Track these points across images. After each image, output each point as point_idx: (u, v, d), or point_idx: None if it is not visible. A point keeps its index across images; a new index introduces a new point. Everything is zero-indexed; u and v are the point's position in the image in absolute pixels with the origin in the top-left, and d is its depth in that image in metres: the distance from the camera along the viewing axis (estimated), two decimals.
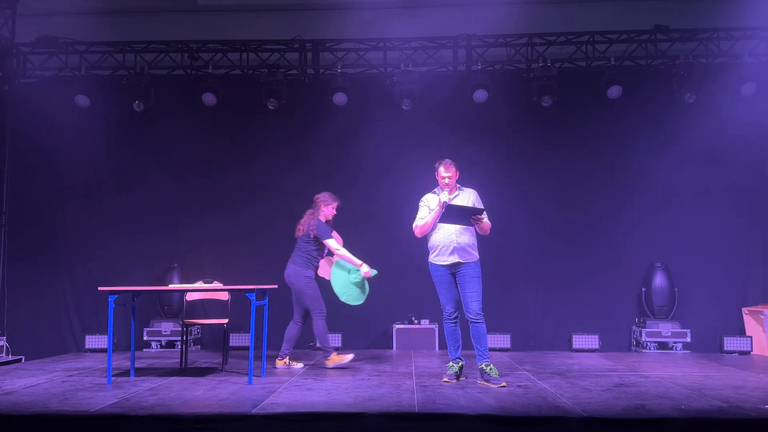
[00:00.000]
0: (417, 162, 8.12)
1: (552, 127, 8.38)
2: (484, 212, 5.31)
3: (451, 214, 5.27)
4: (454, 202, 5.34)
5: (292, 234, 8.42)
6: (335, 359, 6.30)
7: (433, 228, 5.44)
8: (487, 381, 5.30)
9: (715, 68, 8.13)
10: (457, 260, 5.39)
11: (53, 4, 8.22)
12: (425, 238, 5.59)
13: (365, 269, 6.28)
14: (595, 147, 8.34)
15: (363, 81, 8.49)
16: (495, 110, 8.23)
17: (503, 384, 5.24)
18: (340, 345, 7.92)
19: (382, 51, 8.43)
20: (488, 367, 5.34)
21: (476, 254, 5.46)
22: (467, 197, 5.48)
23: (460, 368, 5.57)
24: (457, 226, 5.37)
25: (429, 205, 5.49)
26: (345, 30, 8.24)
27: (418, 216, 5.55)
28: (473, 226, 5.37)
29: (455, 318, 5.50)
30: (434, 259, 5.48)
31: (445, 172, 5.41)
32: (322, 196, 6.42)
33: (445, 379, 5.52)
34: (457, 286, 5.45)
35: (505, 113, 8.30)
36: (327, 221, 6.41)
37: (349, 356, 6.39)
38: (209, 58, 8.47)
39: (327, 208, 6.39)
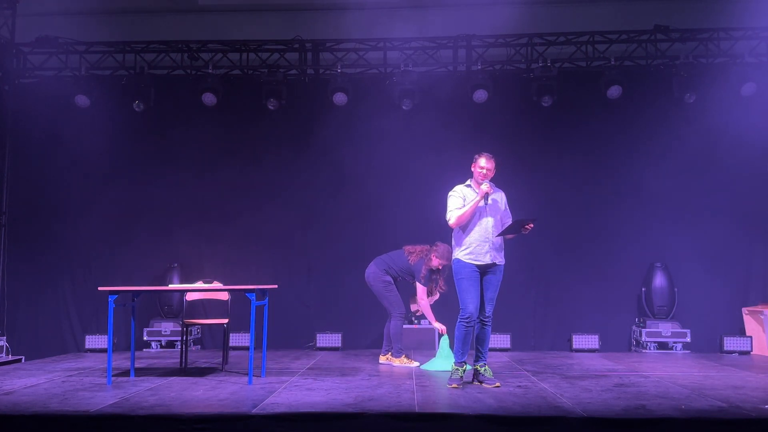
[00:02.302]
0: (417, 162, 8.15)
1: (552, 127, 8.38)
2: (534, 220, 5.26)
3: (513, 224, 5.25)
4: (490, 200, 5.30)
5: (291, 233, 8.47)
6: (404, 361, 6.49)
7: (471, 225, 5.29)
8: (481, 382, 5.31)
9: (715, 68, 8.13)
10: (492, 261, 5.30)
11: (53, 4, 8.22)
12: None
13: (438, 325, 6.53)
14: (595, 147, 8.33)
15: (363, 81, 8.48)
16: (495, 110, 8.24)
17: (497, 384, 5.23)
18: (340, 345, 7.93)
19: (382, 51, 8.43)
20: (483, 368, 5.34)
21: (504, 257, 5.43)
22: (500, 197, 5.46)
23: (465, 371, 5.35)
24: (492, 226, 5.30)
25: (464, 196, 5.33)
26: (345, 30, 8.24)
27: (452, 206, 5.33)
28: (519, 234, 5.30)
29: (474, 321, 5.24)
30: (466, 256, 5.28)
31: (486, 163, 5.30)
32: (441, 250, 6.35)
33: (454, 385, 5.20)
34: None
35: (505, 113, 8.31)
36: (430, 269, 6.47)
37: (415, 364, 6.47)
38: (209, 58, 8.48)
39: (436, 260, 6.40)
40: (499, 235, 5.31)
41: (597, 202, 8.28)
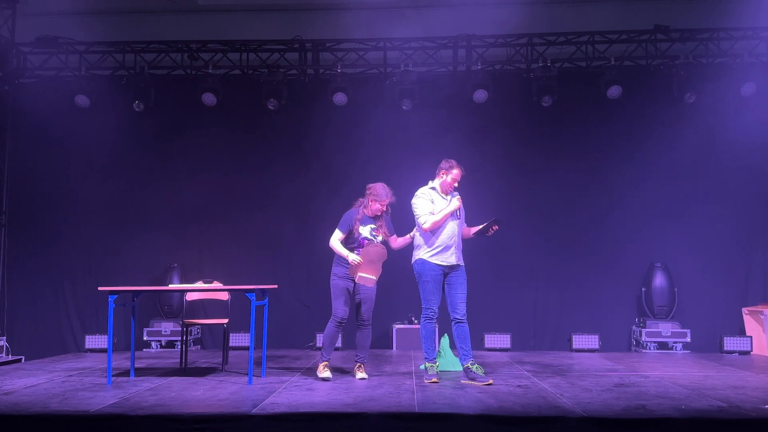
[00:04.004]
0: (417, 162, 8.12)
1: (552, 127, 8.39)
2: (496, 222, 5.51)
3: (482, 232, 5.52)
4: (453, 205, 5.43)
5: (291, 233, 8.47)
6: (320, 369, 5.65)
7: (439, 228, 5.43)
8: (473, 379, 5.33)
9: (715, 68, 8.14)
10: (456, 262, 5.47)
11: (53, 4, 8.23)
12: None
13: (354, 257, 5.58)
14: (595, 147, 8.34)
15: (363, 81, 8.49)
16: (495, 110, 8.24)
17: (490, 381, 5.26)
18: (340, 345, 7.91)
19: (382, 51, 8.43)
20: (474, 366, 5.38)
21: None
22: (457, 201, 5.52)
23: (438, 366, 5.68)
24: (457, 229, 5.49)
25: (433, 200, 5.47)
26: (345, 30, 8.24)
27: (425, 210, 5.43)
28: (484, 236, 5.58)
29: (436, 317, 5.50)
30: (431, 257, 5.44)
31: (459, 176, 5.47)
32: (376, 191, 5.61)
33: (434, 379, 5.41)
34: (443, 287, 5.50)
35: (505, 113, 8.32)
36: (367, 216, 5.68)
37: (328, 375, 5.59)
38: (209, 58, 8.48)
39: (376, 204, 5.61)
40: (471, 236, 5.58)
41: (596, 201, 8.28)
